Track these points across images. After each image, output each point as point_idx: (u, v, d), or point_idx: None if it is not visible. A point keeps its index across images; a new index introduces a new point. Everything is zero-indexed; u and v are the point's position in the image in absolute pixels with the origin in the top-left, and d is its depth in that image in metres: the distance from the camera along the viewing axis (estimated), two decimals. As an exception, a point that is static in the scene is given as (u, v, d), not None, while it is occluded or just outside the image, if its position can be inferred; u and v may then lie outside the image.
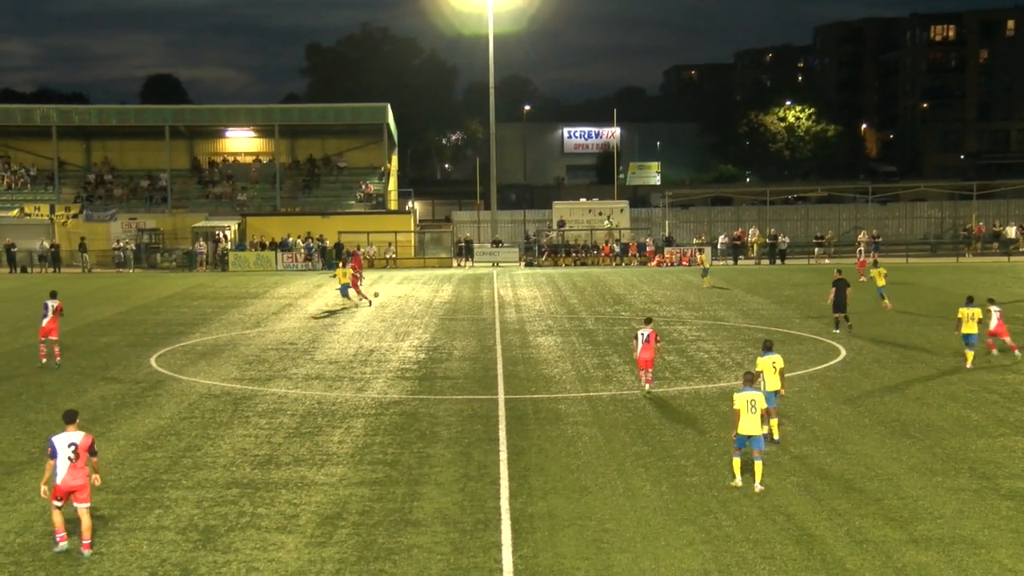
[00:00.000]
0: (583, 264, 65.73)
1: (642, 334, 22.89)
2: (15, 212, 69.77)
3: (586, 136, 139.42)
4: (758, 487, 15.59)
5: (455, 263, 66.98)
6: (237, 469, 17.13)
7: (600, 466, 17.12)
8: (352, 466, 17.30)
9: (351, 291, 41.35)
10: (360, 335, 33.45)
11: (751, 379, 16.48)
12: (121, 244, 65.40)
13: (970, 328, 25.67)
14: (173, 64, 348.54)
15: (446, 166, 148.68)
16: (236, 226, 68.32)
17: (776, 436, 18.21)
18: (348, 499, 15.42)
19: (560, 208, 72.90)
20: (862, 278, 46.55)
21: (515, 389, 23.97)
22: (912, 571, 12.39)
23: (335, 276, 43.01)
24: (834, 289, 32.50)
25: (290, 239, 66.13)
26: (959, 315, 25.99)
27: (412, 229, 71.11)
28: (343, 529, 14.05)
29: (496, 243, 69.62)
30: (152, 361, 28.26)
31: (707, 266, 52.38)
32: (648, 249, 66.69)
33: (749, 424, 15.65)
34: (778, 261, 64.30)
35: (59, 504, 13.25)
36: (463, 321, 37.07)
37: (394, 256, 65.88)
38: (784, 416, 20.16)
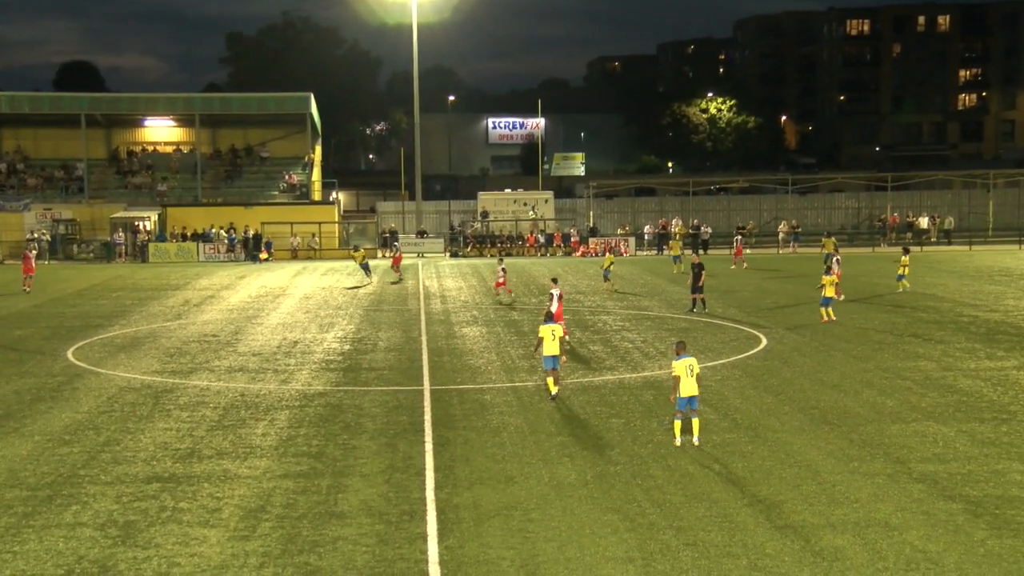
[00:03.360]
0: (508, 255, 65.86)
1: (554, 292, 28.27)
2: (-78, 202, 67.78)
3: (510, 127, 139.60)
4: (696, 441, 17.51)
5: (380, 254, 66.66)
6: (158, 463, 16.87)
7: (526, 456, 17.20)
8: (276, 459, 17.15)
9: (384, 267, 47.16)
10: (284, 326, 33.14)
11: (683, 347, 18.22)
12: (36, 235, 63.88)
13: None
14: (90, 51, 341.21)
15: (370, 157, 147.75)
16: (156, 217, 67.21)
17: (697, 440, 18.02)
18: (272, 492, 15.29)
19: (485, 199, 72.97)
20: (733, 266, 51.84)
21: (441, 380, 23.95)
22: (829, 554, 12.66)
23: (353, 257, 48.81)
24: (692, 273, 35.85)
25: (212, 230, 65.20)
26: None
27: (336, 220, 70.58)
28: (267, 522, 13.92)
29: (421, 234, 69.43)
30: (69, 354, 27.68)
31: (677, 253, 52.70)
32: (573, 239, 67.08)
33: (689, 386, 17.49)
34: (701, 251, 65.10)
35: None
36: (388, 312, 36.92)
37: (318, 247, 65.34)
38: (706, 404, 20.45)
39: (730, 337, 29.92)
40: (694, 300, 35.48)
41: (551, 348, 21.16)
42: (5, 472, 16.33)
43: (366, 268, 46.65)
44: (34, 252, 47.15)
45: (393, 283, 47.29)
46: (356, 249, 49.89)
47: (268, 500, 14.89)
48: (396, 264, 50.72)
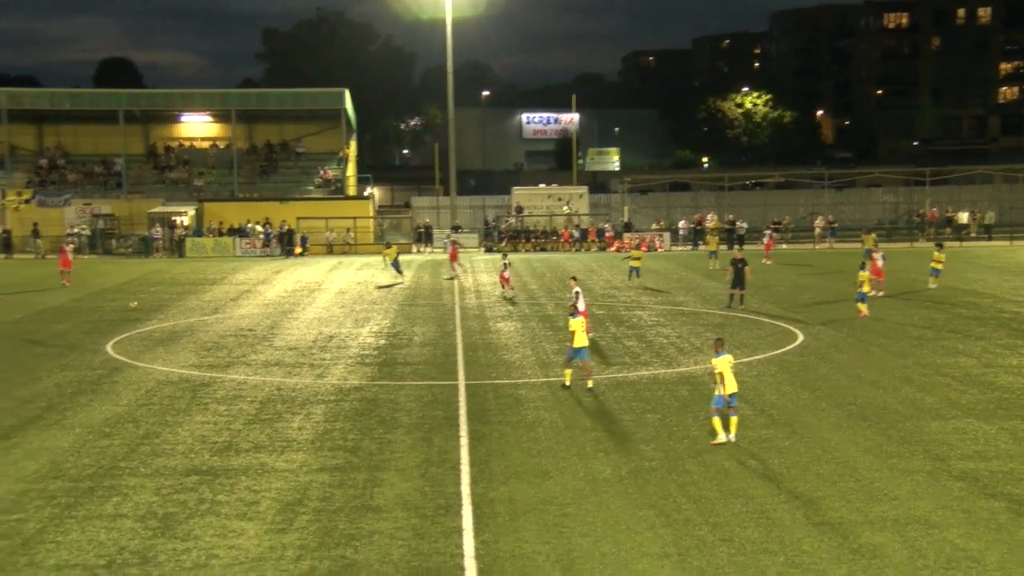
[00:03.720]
0: (542, 250, 65.84)
1: (577, 291, 28.13)
2: (-35, 197, 68.70)
3: (545, 122, 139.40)
4: (733, 437, 17.42)
5: (415, 249, 66.81)
6: (196, 456, 17.01)
7: (561, 451, 17.19)
8: (312, 452, 17.25)
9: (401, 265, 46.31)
10: (319, 321, 33.31)
11: (722, 343, 17.97)
12: (76, 230, 64.56)
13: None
14: (128, 48, 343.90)
15: (405, 152, 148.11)
16: (193, 212, 67.68)
17: (734, 436, 17.99)
18: (308, 485, 15.37)
19: (519, 194, 72.94)
20: (768, 261, 51.58)
21: (476, 375, 23.98)
22: (867, 551, 12.57)
23: (386, 255, 47.41)
24: (731, 268, 35.38)
25: (248, 225, 65.63)
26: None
27: (371, 215, 70.83)
28: (304, 515, 14.00)
29: (455, 228, 69.52)
30: (109, 348, 27.97)
31: (714, 249, 52.27)
32: (607, 235, 66.94)
33: (732, 383, 17.42)
34: (736, 247, 64.74)
35: None
36: (423, 307, 37.02)
37: (353, 242, 65.61)
38: (742, 399, 20.35)
39: (766, 333, 29.75)
40: (731, 296, 35.24)
41: (581, 340, 21.53)
42: (48, 464, 16.54)
43: (396, 266, 46.33)
44: (71, 247, 47.24)
45: (449, 278, 46.92)
46: (388, 246, 49.60)
47: (305, 493, 14.98)
48: (454, 259, 49.42)
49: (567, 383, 22.11)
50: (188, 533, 13.31)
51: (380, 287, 43.43)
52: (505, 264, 40.32)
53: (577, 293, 28.92)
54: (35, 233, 64.07)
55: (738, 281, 35.02)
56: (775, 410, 20.01)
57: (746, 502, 14.42)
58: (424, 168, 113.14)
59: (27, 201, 67.72)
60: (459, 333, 30.43)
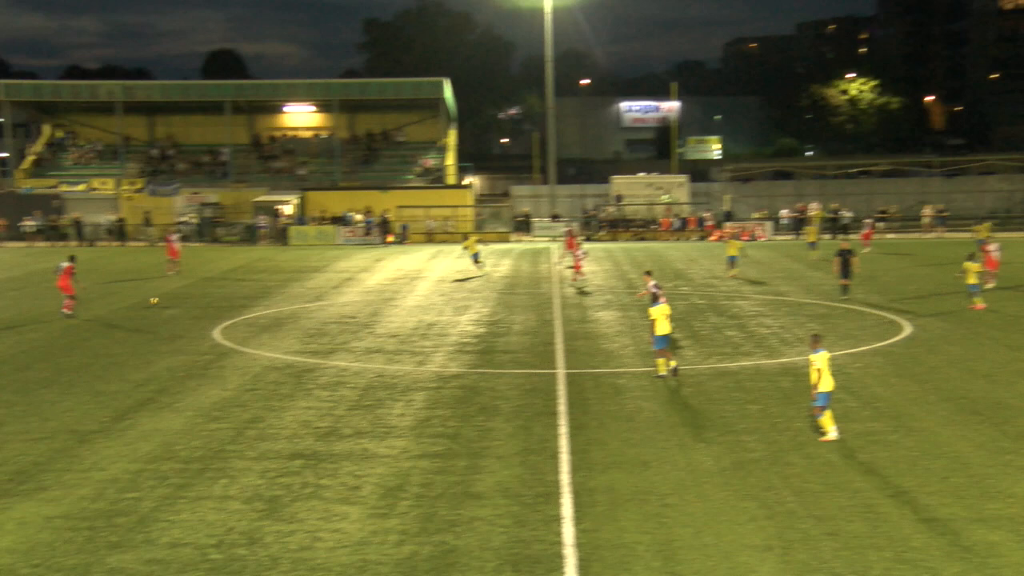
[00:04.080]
0: (642, 239, 65.42)
1: (650, 285, 26.32)
2: (83, 187, 71.13)
3: (644, 110, 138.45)
4: (835, 435, 16.89)
5: (513, 237, 66.98)
6: (300, 441, 17.33)
7: (661, 441, 17.07)
8: (413, 439, 17.42)
9: (480, 259, 44.85)
10: (420, 309, 33.62)
11: (819, 339, 17.48)
12: (185, 218, 66.27)
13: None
14: (235, 40, 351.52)
15: (504, 140, 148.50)
16: (297, 200, 68.91)
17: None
18: (410, 471, 15.53)
19: (619, 182, 72.56)
20: (868, 249, 49.89)
21: (575, 363, 23.95)
22: (982, 550, 12.19)
23: (466, 247, 45.82)
24: (839, 259, 34.40)
25: (349, 213, 66.56)
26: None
27: (470, 203, 71.23)
28: (405, 501, 14.15)
29: (555, 217, 69.49)
30: (216, 333, 28.65)
31: (813, 240, 50.99)
32: (707, 223, 66.20)
33: (829, 381, 16.92)
34: (839, 235, 63.43)
35: None
36: (522, 295, 37.10)
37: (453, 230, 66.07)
38: (846, 391, 19.97)
39: (871, 324, 29.09)
40: (844, 287, 34.31)
41: (663, 327, 21.55)
42: (160, 445, 17.03)
43: (476, 257, 44.86)
44: (176, 236, 48.16)
45: (569, 267, 46.31)
46: (466, 237, 49.35)
47: (406, 479, 15.14)
48: (571, 248, 49.03)
49: (660, 372, 21.97)
50: (293, 516, 13.56)
51: (456, 281, 42.06)
52: (583, 252, 39.72)
53: (655, 285, 28.24)
54: (147, 221, 66.00)
55: (846, 271, 34.26)
56: (881, 403, 19.55)
57: (851, 496, 14.12)
58: (523, 157, 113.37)
59: (139, 190, 69.78)
60: (558, 322, 30.41)
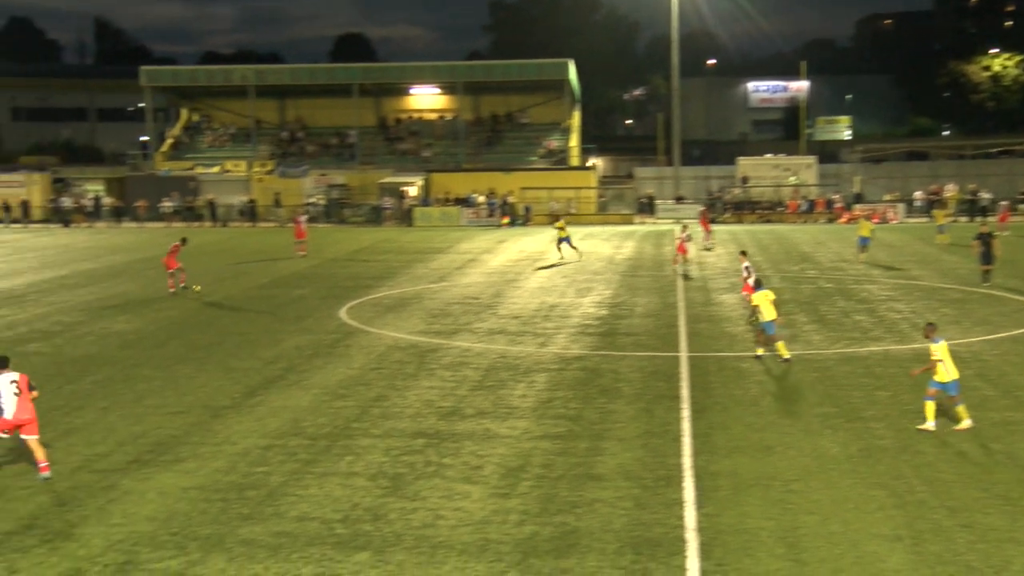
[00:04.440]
0: (768, 221, 64.24)
1: (747, 266, 26.95)
2: (216, 169, 73.32)
3: (772, 90, 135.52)
4: (969, 423, 16.28)
5: (637, 219, 66.54)
6: (423, 420, 17.56)
7: (785, 426, 16.77)
8: (535, 420, 17.49)
9: (565, 245, 43.03)
10: (542, 290, 33.69)
11: (935, 328, 17.05)
12: (313, 199, 67.71)
13: None
14: (363, 23, 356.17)
15: (628, 122, 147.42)
16: (421, 182, 69.72)
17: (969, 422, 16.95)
18: (531, 452, 15.60)
19: (744, 164, 71.33)
20: (1004, 232, 47.18)
21: (698, 346, 23.69)
22: (1126, 547, 11.65)
23: (558, 228, 43.97)
24: (979, 243, 32.99)
25: (473, 195, 67.04)
26: None
27: (594, 185, 70.98)
28: (526, 481, 14.22)
29: (679, 199, 68.76)
30: (342, 313, 29.24)
31: (942, 223, 49.30)
32: (836, 206, 64.61)
33: (953, 369, 16.38)
34: (978, 217, 61.11)
35: (4, 436, 14.41)
36: (645, 277, 36.84)
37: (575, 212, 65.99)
38: (984, 379, 19.28)
39: (1011, 309, 27.98)
40: (985, 272, 32.73)
41: (770, 312, 21.36)
42: (289, 422, 17.48)
43: (567, 241, 42.68)
44: (304, 218, 48.92)
45: (707, 249, 46.11)
46: (557, 218, 47.69)
47: (527, 460, 15.21)
48: (705, 228, 48.63)
49: (786, 356, 21.58)
50: (416, 494, 13.77)
51: (541, 268, 40.07)
52: (687, 236, 38.36)
53: (747, 268, 28.18)
54: (276, 202, 67.68)
55: (987, 256, 32.87)
56: (1020, 391, 18.81)
57: (988, 487, 13.63)
58: (647, 138, 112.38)
59: (270, 172, 71.58)
60: (681, 304, 30.12)
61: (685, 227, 40.01)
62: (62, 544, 12.03)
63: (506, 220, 63.87)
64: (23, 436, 14.45)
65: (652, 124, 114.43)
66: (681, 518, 12.72)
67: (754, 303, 21.82)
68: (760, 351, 22.06)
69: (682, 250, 37.65)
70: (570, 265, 41.06)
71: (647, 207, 68.23)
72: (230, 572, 11.21)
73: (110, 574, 11.17)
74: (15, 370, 14.64)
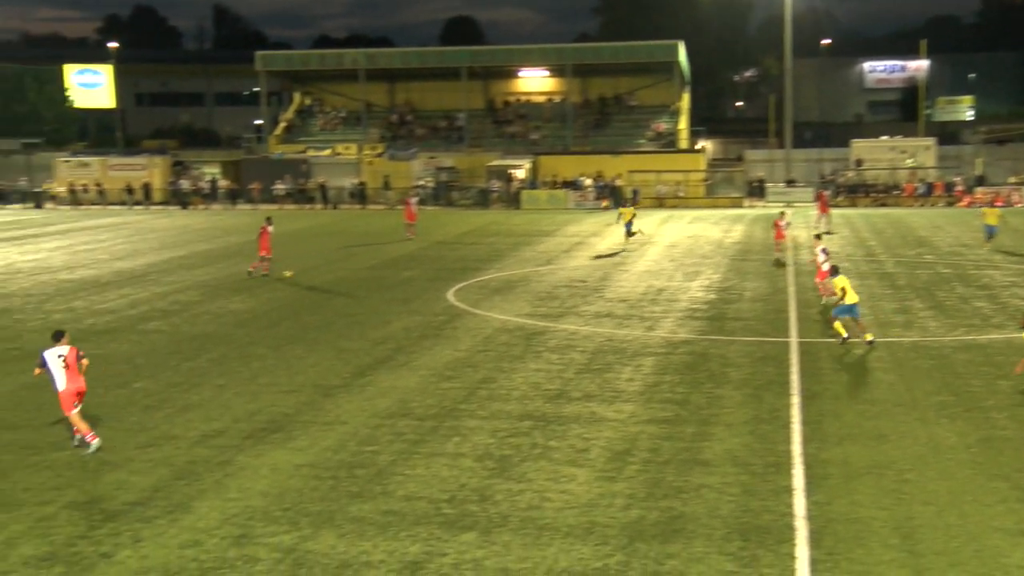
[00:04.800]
0: (883, 205, 62.62)
1: (823, 248, 26.19)
2: (328, 151, 74.54)
3: (889, 70, 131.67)
4: None
5: (746, 203, 65.54)
6: (530, 402, 17.61)
7: (900, 414, 16.35)
8: (641, 404, 17.40)
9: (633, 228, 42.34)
10: (649, 274, 33.45)
11: None
12: (421, 182, 68.34)
13: None
14: (472, 6, 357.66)
15: (738, 104, 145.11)
16: (529, 165, 69.77)
17: None
18: (637, 436, 15.53)
19: (859, 146, 69.59)
20: None
21: (808, 332, 23.25)
22: None
23: (621, 215, 43.44)
24: None
25: (581, 178, 66.83)
26: None
27: (702, 168, 70.11)
28: (632, 465, 14.16)
29: (789, 182, 67.47)
30: (449, 295, 29.48)
31: None
32: (957, 189, 62.62)
33: None
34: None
35: (78, 406, 15.01)
36: (754, 262, 36.28)
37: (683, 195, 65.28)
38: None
39: None
40: None
41: (852, 296, 21.61)
42: (397, 402, 17.72)
43: (628, 227, 41.67)
44: (415, 200, 49.12)
45: (826, 233, 44.95)
46: (626, 205, 46.66)
47: (634, 444, 15.15)
48: (823, 211, 47.99)
49: (844, 336, 21.65)
50: (522, 476, 13.82)
51: (598, 257, 38.42)
52: (786, 223, 36.64)
53: (824, 251, 27.59)
54: (386, 185, 68.50)
55: None
56: None
57: (1115, 483, 13.09)
58: (758, 121, 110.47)
59: (379, 155, 72.47)
60: (792, 289, 29.58)
61: (783, 214, 38.73)
62: (181, 516, 12.42)
63: (606, 203, 63.43)
64: (76, 403, 15.12)
65: (763, 106, 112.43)
66: (790, 506, 12.52)
67: (838, 286, 21.79)
68: (869, 336, 21.60)
69: (780, 236, 36.41)
70: (678, 248, 40.67)
71: (757, 190, 67.11)
72: (340, 548, 11.43)
73: (226, 547, 11.49)
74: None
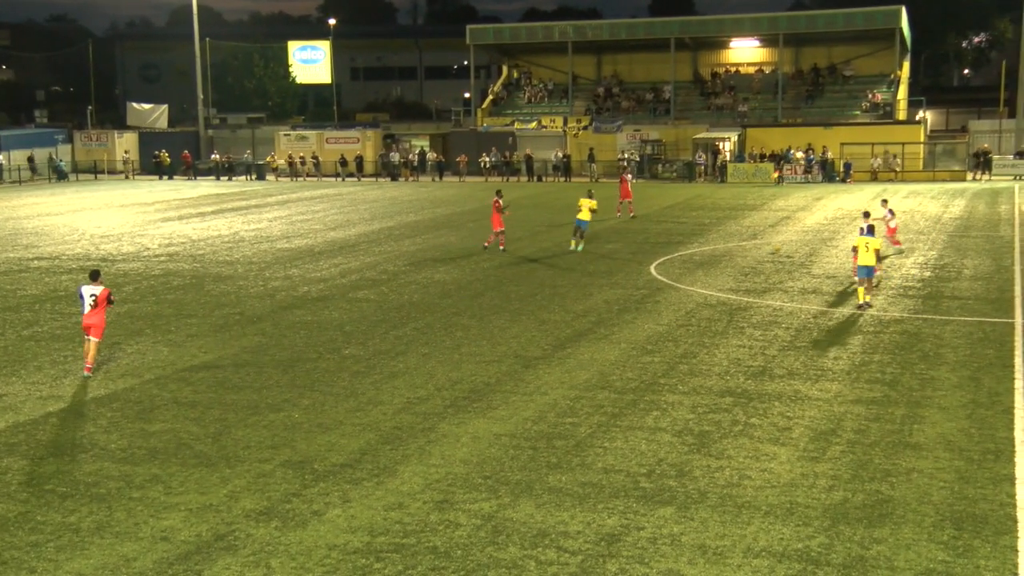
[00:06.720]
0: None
1: (864, 226, 24.20)
2: (533, 124, 75.29)
3: None
4: None
5: (969, 176, 62.17)
6: (731, 378, 17.34)
7: None
8: (848, 383, 16.84)
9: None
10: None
11: None
12: (626, 155, 68.07)
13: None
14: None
15: (965, 72, 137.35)
16: (736, 137, 68.39)
17: None
18: (843, 416, 15.05)
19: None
20: None
21: (1035, 314, 21.91)
22: None
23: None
24: None
25: (790, 151, 65.01)
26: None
27: (921, 140, 66.90)
28: (837, 446, 13.74)
29: (1020, 155, 63.54)
30: (652, 269, 29.30)
31: None
32: None
33: None
34: None
35: (89, 340, 17.76)
36: (976, 239, 34.42)
37: (899, 169, 62.52)
38: None
39: None
40: None
41: (865, 258, 22.41)
42: (597, 375, 17.78)
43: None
44: (630, 176, 47.57)
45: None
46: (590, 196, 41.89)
47: (839, 424, 14.69)
48: None
49: (861, 301, 22.66)
50: (722, 452, 13.64)
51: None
52: (890, 211, 31.20)
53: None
54: (591, 158, 68.57)
55: None
56: None
57: None
58: (987, 89, 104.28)
59: (585, 128, 72.58)
60: (1018, 267, 27.92)
61: (886, 203, 33.22)
62: (387, 479, 12.87)
63: (776, 175, 61.25)
64: (89, 336, 17.72)
65: (993, 73, 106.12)
66: (1012, 496, 11.86)
67: (860, 244, 22.67)
68: (867, 298, 22.62)
69: (892, 232, 30.88)
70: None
71: (983, 163, 63.53)
72: (538, 518, 11.58)
73: (429, 511, 11.83)
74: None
